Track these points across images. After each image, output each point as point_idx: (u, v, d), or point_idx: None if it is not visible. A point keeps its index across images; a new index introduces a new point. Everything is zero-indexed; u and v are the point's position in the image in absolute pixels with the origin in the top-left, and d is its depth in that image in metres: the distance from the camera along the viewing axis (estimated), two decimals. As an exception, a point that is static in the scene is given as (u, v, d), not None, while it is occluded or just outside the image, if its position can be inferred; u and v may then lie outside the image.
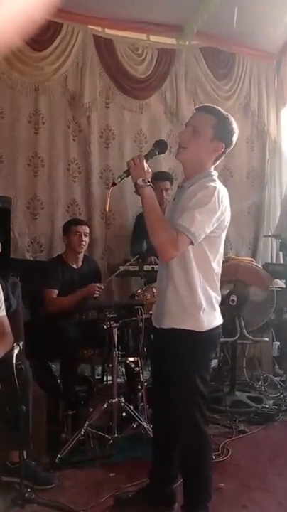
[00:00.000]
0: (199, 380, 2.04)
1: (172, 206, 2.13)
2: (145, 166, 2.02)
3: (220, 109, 2.12)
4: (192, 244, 1.93)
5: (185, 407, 2.07)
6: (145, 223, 2.01)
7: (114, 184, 2.08)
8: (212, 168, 2.10)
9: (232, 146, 2.09)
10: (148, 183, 1.99)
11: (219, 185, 2.00)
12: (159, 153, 2.11)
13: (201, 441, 2.10)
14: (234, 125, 2.08)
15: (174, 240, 1.91)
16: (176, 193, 2.17)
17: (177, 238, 1.90)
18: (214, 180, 2.03)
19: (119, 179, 2.06)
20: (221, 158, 2.11)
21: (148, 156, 2.06)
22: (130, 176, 2.04)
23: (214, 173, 2.09)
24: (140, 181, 1.98)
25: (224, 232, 2.07)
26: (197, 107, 2.15)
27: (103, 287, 3.47)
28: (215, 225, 1.97)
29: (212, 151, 2.05)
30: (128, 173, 2.04)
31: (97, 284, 3.45)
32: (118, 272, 3.36)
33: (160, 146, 2.09)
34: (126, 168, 2.05)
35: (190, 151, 2.04)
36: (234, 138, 2.08)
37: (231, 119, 2.09)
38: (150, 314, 2.30)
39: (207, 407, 2.15)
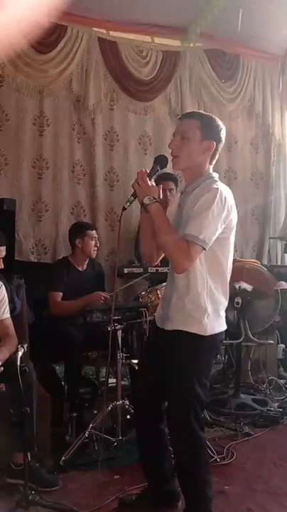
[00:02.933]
0: (198, 384, 2.03)
1: (177, 213, 2.12)
2: (150, 182, 2.03)
3: (201, 111, 2.18)
4: (204, 249, 1.94)
5: (180, 409, 2.06)
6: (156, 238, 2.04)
7: (124, 209, 2.09)
8: (211, 169, 2.11)
9: (223, 142, 2.11)
10: (154, 200, 1.99)
11: (221, 185, 2.01)
12: (161, 168, 2.13)
13: (195, 445, 2.08)
14: (219, 122, 2.10)
15: (186, 252, 1.92)
16: (180, 199, 2.17)
17: (189, 249, 1.91)
18: (216, 181, 2.04)
19: (128, 203, 2.08)
20: (217, 157, 2.12)
21: (150, 174, 2.07)
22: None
23: (215, 175, 2.10)
24: (146, 200, 1.99)
25: (233, 232, 2.07)
26: (180, 116, 2.17)
27: (108, 297, 3.46)
28: (223, 226, 1.98)
29: (205, 151, 2.06)
30: (135, 195, 2.05)
31: (103, 294, 3.44)
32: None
33: (161, 162, 2.11)
34: (133, 191, 2.06)
35: (183, 157, 2.05)
36: (223, 133, 2.10)
37: (215, 117, 2.12)
38: (155, 316, 2.30)
39: (210, 410, 2.15)
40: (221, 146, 2.11)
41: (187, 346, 2.02)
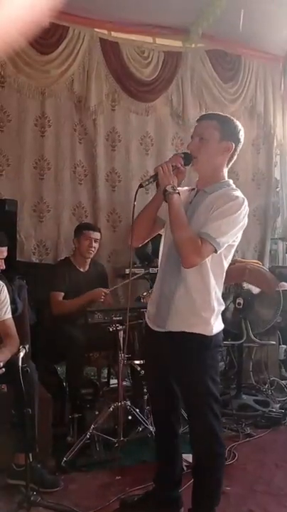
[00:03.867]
0: (211, 383, 2.05)
1: (188, 208, 2.11)
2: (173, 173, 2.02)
3: (220, 112, 2.18)
4: (216, 252, 1.96)
5: (198, 410, 2.08)
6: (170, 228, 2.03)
7: (141, 186, 2.08)
8: (226, 173, 2.12)
9: (242, 143, 2.11)
10: (177, 191, 1.99)
11: (242, 194, 2.03)
12: (185, 165, 2.09)
13: (215, 444, 2.10)
14: (238, 123, 2.12)
15: (198, 248, 1.93)
16: (191, 196, 2.15)
17: (201, 246, 1.93)
18: (236, 190, 2.06)
19: (147, 182, 2.07)
20: (235, 158, 2.13)
21: (173, 168, 2.05)
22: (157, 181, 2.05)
23: (231, 182, 2.11)
24: (169, 188, 1.98)
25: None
26: (198, 117, 2.17)
27: (108, 292, 3.47)
28: (237, 234, 2.03)
29: (223, 152, 2.07)
30: (155, 178, 2.04)
31: (103, 290, 3.45)
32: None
33: (186, 158, 2.07)
34: (153, 174, 2.05)
35: (202, 158, 2.06)
36: (241, 134, 2.10)
37: (233, 118, 2.13)
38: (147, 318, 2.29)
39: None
40: (239, 147, 2.11)
41: (195, 348, 2.03)
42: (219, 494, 2.14)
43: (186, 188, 2.23)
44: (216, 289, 2.06)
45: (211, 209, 1.99)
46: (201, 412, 2.07)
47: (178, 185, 2.07)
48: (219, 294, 2.09)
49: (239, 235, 2.07)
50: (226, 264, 2.09)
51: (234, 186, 2.10)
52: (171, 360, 2.09)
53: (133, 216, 2.12)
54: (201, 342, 2.03)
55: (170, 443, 2.27)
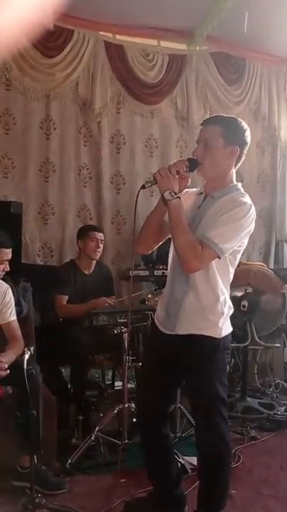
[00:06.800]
0: (220, 386, 2.06)
1: (196, 213, 2.10)
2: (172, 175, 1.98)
3: (224, 115, 2.17)
4: (219, 258, 1.94)
5: (206, 413, 2.08)
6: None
7: (143, 187, 2.06)
8: (235, 175, 2.11)
9: (248, 144, 2.10)
10: (175, 196, 1.96)
11: (249, 200, 2.02)
12: (190, 171, 2.06)
13: (223, 447, 2.09)
14: (243, 124, 2.09)
15: (198, 253, 1.92)
16: (199, 201, 2.13)
17: (203, 252, 1.91)
18: (244, 195, 2.04)
19: (149, 184, 2.05)
20: (242, 160, 2.11)
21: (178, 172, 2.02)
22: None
23: (240, 186, 2.10)
24: (167, 194, 1.95)
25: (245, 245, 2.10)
26: (202, 121, 2.15)
27: (112, 303, 3.47)
28: (242, 240, 2.02)
29: (229, 157, 2.05)
30: (154, 182, 2.01)
31: (108, 300, 3.46)
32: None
33: (191, 164, 2.05)
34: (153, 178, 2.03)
35: (208, 165, 2.04)
36: (247, 135, 2.08)
37: (239, 119, 2.11)
38: (155, 320, 2.29)
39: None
40: (246, 148, 2.09)
41: (204, 350, 2.03)
42: (225, 497, 2.13)
43: (194, 189, 2.21)
44: (225, 294, 2.06)
45: (218, 213, 1.98)
46: (209, 415, 2.06)
47: (180, 191, 2.05)
48: (228, 298, 2.09)
49: (246, 241, 2.06)
50: (232, 269, 2.08)
51: (242, 190, 2.08)
52: (180, 363, 2.09)
53: (134, 218, 2.11)
54: (211, 344, 2.03)
55: (160, 445, 2.24)
